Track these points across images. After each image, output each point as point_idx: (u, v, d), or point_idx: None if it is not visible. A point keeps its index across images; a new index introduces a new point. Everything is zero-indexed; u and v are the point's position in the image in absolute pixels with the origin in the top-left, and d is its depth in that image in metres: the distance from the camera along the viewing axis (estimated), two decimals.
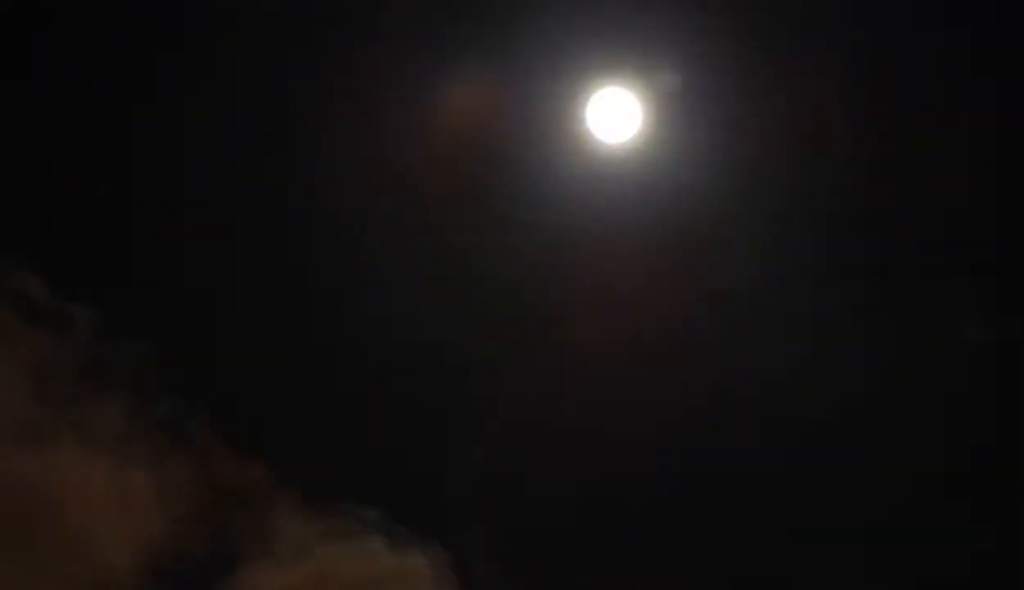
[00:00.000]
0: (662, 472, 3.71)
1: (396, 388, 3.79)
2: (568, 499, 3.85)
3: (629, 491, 3.78)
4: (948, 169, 3.64)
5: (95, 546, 5.23)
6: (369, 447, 3.91)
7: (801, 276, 3.64)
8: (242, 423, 4.67)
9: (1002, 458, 3.92)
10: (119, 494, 5.27)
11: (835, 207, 3.60)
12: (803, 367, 3.70)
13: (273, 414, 4.17)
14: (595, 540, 3.85)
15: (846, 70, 3.55)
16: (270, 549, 5.07)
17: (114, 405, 5.35)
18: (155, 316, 4.31)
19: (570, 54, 3.63)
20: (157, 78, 3.81)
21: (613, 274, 3.71)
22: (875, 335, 3.66)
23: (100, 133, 3.96)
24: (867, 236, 3.58)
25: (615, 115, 3.63)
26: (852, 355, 3.71)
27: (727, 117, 3.63)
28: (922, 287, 3.68)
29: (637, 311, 3.70)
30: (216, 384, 4.58)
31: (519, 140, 3.70)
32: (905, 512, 3.71)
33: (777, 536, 3.67)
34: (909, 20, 3.56)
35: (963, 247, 3.78)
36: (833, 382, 3.71)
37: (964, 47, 3.64)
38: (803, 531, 3.69)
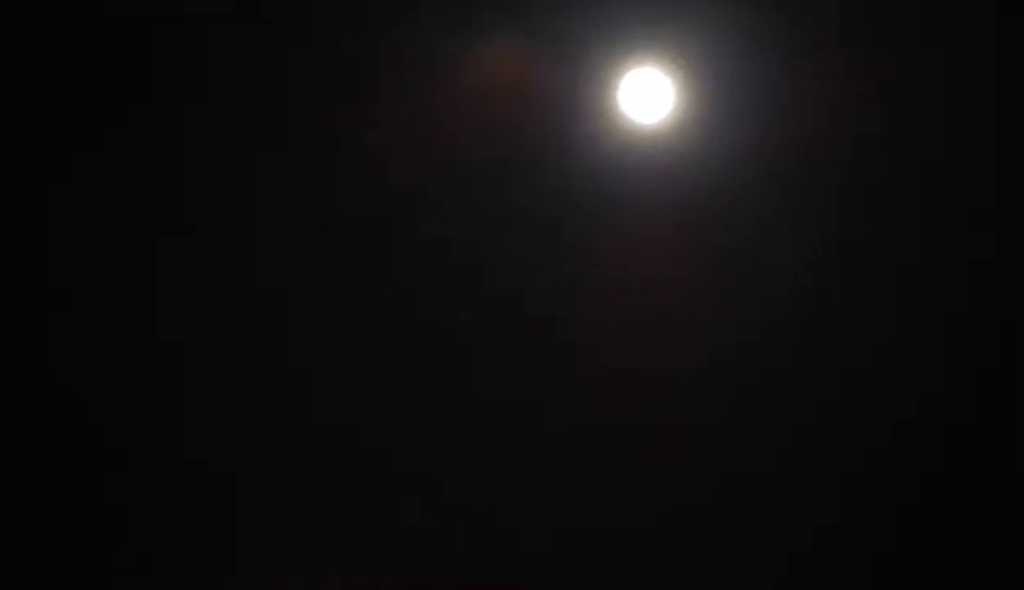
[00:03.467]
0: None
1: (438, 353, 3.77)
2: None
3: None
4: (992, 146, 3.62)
5: None
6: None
7: (836, 255, 3.61)
8: None
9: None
10: None
11: (873, 189, 3.58)
12: (837, 350, 3.70)
13: None
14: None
15: (885, 48, 3.52)
16: None
17: None
18: None
19: (602, 35, 3.60)
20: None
21: (644, 255, 3.68)
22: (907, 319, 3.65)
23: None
24: (902, 215, 3.56)
25: (648, 96, 3.59)
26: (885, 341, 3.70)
27: (761, 100, 3.61)
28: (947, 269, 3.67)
29: (666, 292, 3.67)
30: None
31: (549, 122, 3.67)
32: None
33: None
34: None
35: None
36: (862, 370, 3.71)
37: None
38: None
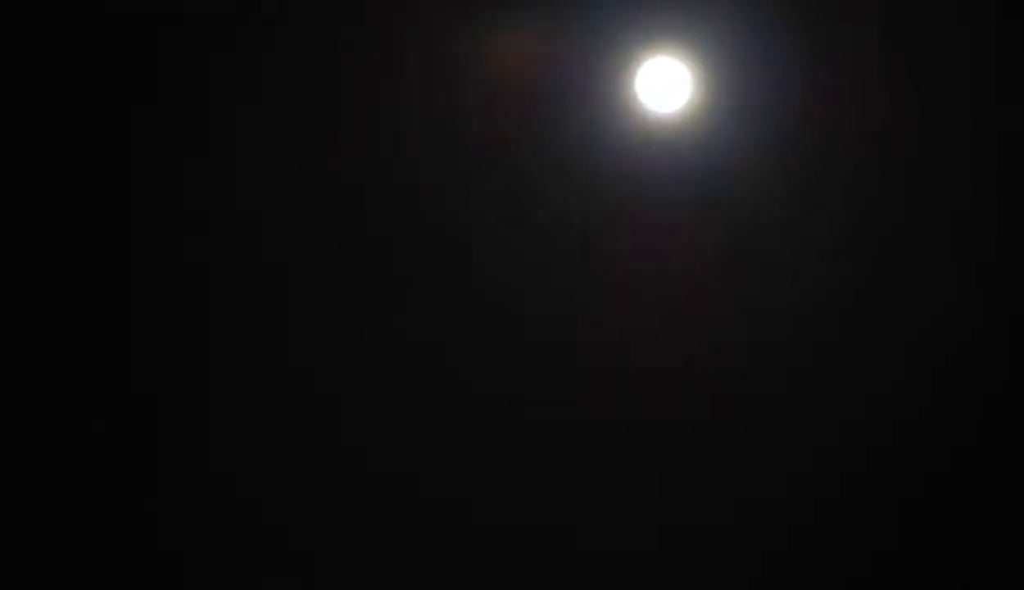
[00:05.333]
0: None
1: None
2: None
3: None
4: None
5: None
6: None
7: (853, 248, 3.60)
8: None
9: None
10: None
11: (892, 182, 3.56)
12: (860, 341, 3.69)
13: None
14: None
15: (891, 46, 3.51)
16: None
17: None
18: None
19: (619, 24, 3.59)
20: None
21: (660, 246, 3.67)
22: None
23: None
24: (906, 212, 3.55)
25: (665, 85, 3.57)
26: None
27: (780, 89, 3.60)
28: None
29: (680, 284, 3.66)
30: None
31: (565, 112, 3.66)
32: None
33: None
34: None
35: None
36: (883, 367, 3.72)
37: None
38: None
